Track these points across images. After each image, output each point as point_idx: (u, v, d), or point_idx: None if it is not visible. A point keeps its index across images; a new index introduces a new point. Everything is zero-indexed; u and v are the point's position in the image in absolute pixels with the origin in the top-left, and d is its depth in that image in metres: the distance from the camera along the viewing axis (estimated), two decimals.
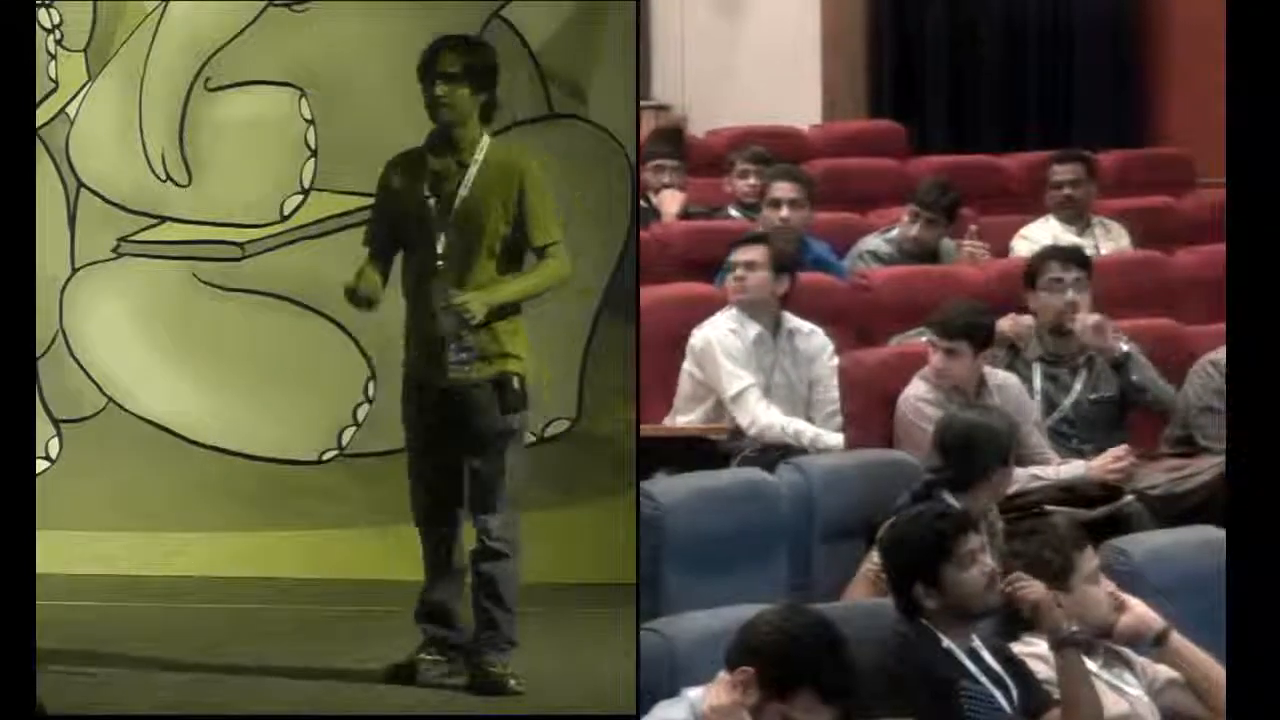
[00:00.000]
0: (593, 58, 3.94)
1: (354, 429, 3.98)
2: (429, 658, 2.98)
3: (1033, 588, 2.38)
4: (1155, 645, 2.50)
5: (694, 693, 2.05)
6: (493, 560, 2.93)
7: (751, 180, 4.44)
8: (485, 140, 2.92)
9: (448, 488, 2.94)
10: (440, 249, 2.87)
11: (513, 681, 2.91)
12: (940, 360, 3.32)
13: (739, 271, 3.58)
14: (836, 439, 3.45)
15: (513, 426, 2.91)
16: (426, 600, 2.99)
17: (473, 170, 2.89)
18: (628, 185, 3.94)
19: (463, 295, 2.85)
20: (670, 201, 4.48)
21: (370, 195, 4.09)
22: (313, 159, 4.00)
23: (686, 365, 3.57)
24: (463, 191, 2.88)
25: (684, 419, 3.56)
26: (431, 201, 2.88)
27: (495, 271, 2.90)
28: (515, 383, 2.90)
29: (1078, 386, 3.51)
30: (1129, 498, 3.25)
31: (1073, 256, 3.63)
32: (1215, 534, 2.80)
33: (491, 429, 2.89)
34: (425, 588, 2.99)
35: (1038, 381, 3.49)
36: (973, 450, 2.90)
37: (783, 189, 4.10)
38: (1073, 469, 3.29)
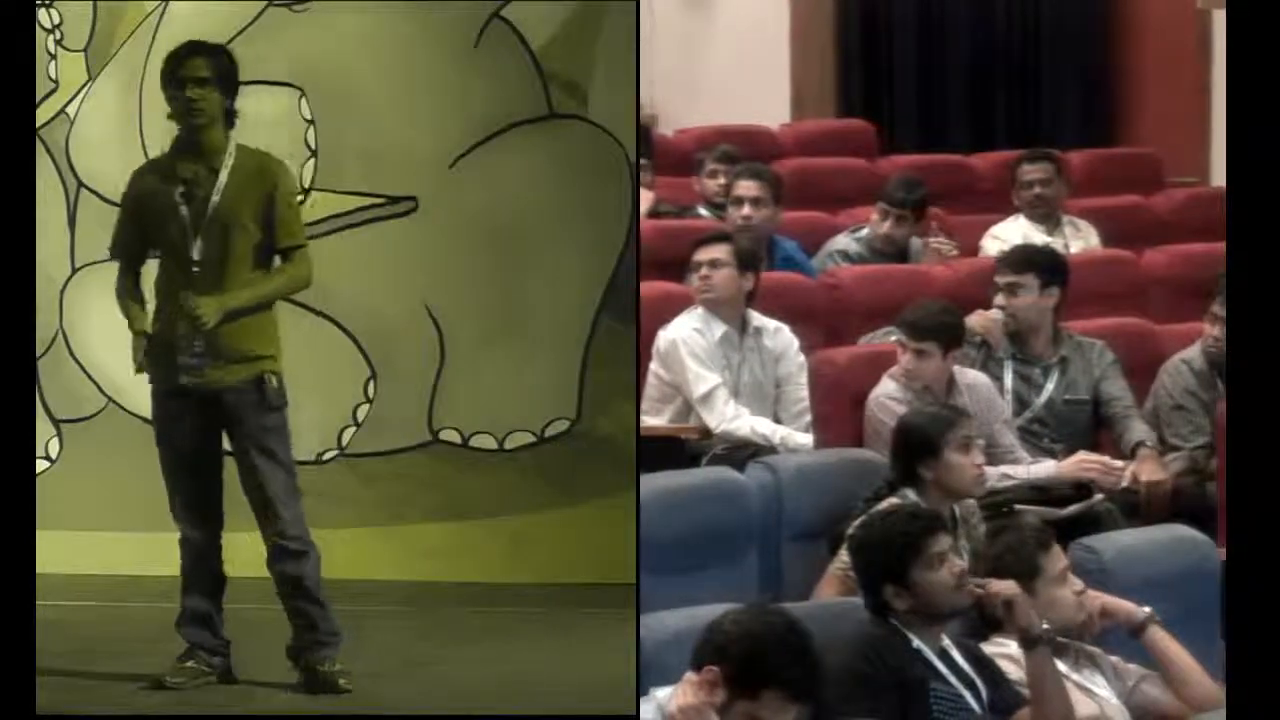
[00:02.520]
0: (592, 58, 3.95)
1: (354, 429, 3.99)
2: (192, 665, 2.96)
3: (1005, 585, 2.39)
4: (1135, 636, 2.52)
5: (661, 692, 2.05)
6: (292, 559, 2.93)
7: (721, 180, 4.43)
8: (233, 146, 2.94)
9: (210, 494, 2.96)
10: (195, 254, 2.89)
11: (342, 680, 2.91)
12: (910, 361, 3.32)
13: (704, 270, 3.57)
14: (805, 439, 3.45)
15: (274, 424, 2.93)
16: (188, 606, 2.98)
17: (224, 175, 2.91)
18: (628, 185, 3.95)
19: (195, 299, 2.87)
20: (639, 200, 4.54)
21: (372, 195, 4.11)
22: (313, 159, 4.00)
23: (653, 366, 3.57)
24: (215, 197, 2.90)
25: (653, 420, 3.56)
26: (184, 208, 2.90)
27: (252, 275, 2.92)
28: (274, 381, 2.93)
29: (1050, 386, 3.50)
30: (1099, 496, 3.25)
31: (1007, 260, 3.61)
32: (1185, 532, 2.85)
33: (259, 429, 2.91)
34: (185, 594, 2.99)
35: (1008, 380, 3.49)
36: (898, 447, 2.90)
37: (746, 187, 4.09)
38: (1043, 468, 3.30)
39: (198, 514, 2.96)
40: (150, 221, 2.96)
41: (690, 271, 3.65)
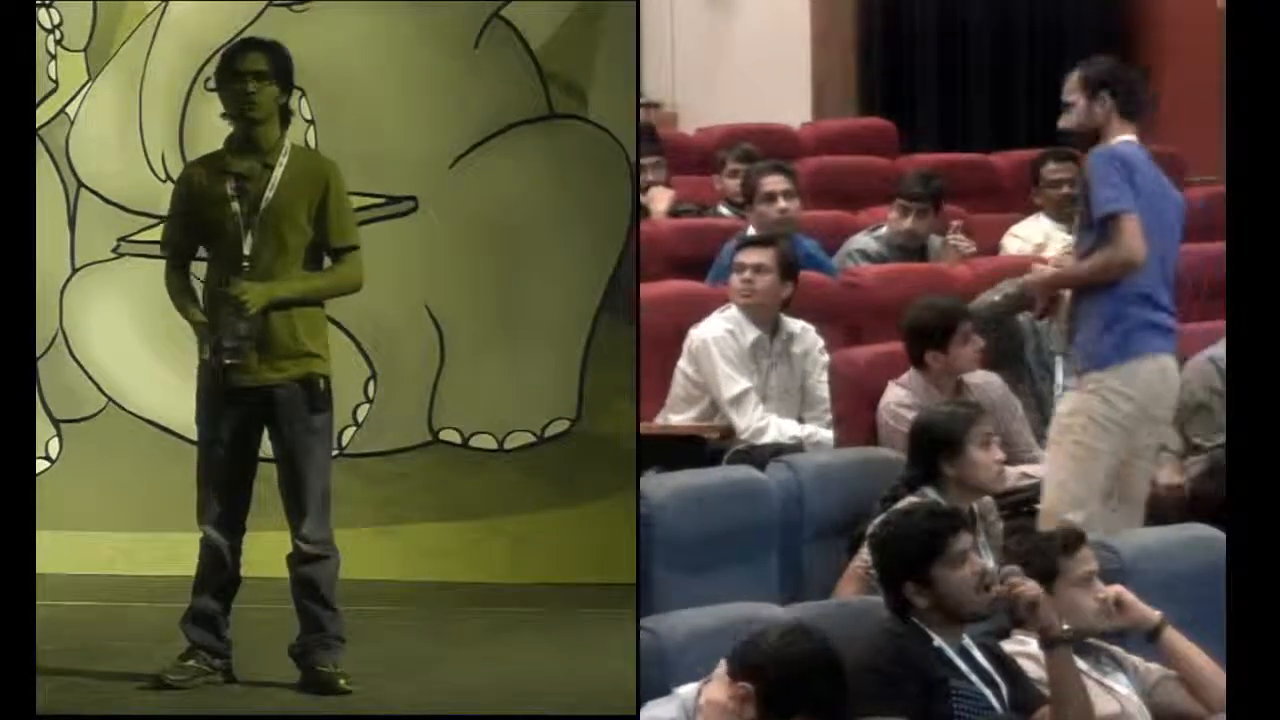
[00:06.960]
0: (592, 58, 3.95)
1: (354, 429, 3.99)
2: (193, 664, 2.94)
3: (1028, 585, 2.38)
4: (1150, 640, 2.52)
5: (684, 690, 2.06)
6: (310, 563, 2.93)
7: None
8: (287, 143, 2.91)
9: (243, 500, 2.93)
10: (247, 250, 2.86)
11: (342, 681, 2.91)
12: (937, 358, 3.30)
13: (746, 274, 3.54)
14: (828, 435, 3.44)
15: (318, 427, 2.90)
16: (197, 606, 2.96)
17: (279, 172, 2.88)
18: (628, 185, 3.95)
19: (242, 284, 2.83)
20: (659, 199, 4.46)
21: (372, 195, 4.10)
22: None
23: (682, 364, 3.56)
24: (269, 193, 2.87)
25: (676, 418, 3.56)
26: (236, 203, 2.87)
27: (303, 273, 2.90)
28: (321, 383, 2.90)
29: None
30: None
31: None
32: (1204, 531, 2.83)
33: (300, 430, 2.89)
34: (196, 592, 2.96)
35: (1060, 376, 3.44)
36: (918, 445, 2.90)
37: (776, 182, 4.06)
38: None
39: (228, 519, 2.93)
40: (201, 216, 2.92)
41: (718, 269, 3.62)
